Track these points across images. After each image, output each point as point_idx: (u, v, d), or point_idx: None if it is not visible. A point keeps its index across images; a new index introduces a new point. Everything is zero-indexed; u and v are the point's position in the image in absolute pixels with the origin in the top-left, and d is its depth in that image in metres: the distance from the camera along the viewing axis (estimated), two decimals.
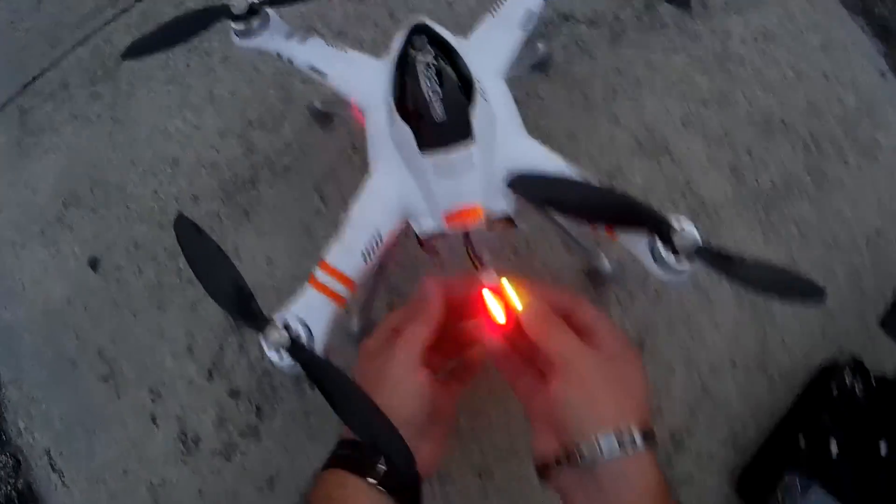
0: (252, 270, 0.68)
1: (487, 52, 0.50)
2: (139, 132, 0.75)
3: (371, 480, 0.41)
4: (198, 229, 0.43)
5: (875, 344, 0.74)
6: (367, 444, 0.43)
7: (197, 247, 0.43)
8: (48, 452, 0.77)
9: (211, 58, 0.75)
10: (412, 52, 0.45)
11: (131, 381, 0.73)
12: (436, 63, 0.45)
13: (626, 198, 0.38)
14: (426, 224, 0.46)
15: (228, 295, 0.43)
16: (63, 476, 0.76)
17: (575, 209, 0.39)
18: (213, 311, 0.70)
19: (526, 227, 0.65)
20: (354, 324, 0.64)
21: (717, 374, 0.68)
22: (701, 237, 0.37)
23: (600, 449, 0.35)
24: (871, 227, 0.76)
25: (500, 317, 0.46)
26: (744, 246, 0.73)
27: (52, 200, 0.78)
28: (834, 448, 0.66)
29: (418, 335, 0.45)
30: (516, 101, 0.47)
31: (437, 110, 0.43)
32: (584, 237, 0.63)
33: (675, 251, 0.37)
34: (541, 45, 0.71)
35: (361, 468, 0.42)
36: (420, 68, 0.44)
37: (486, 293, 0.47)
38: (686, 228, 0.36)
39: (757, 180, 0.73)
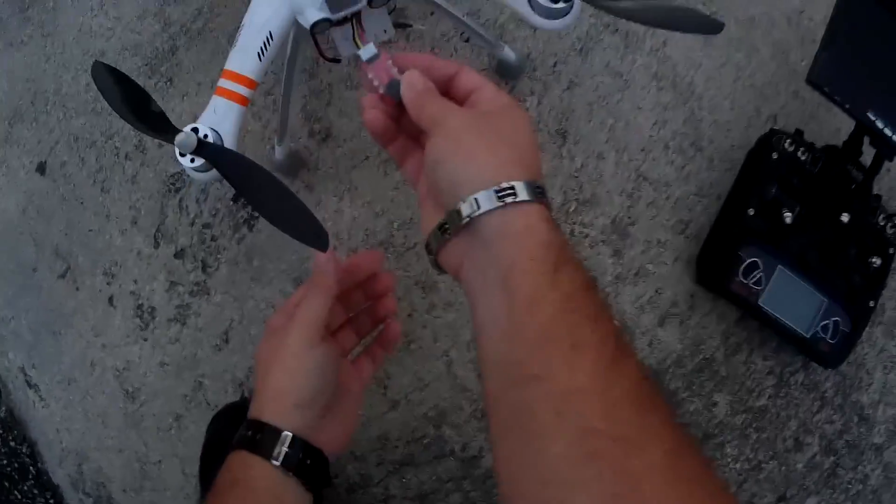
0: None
1: None
2: (68, 39, 0.79)
3: (275, 462, 0.41)
4: (109, 69, 0.47)
5: (816, 120, 0.73)
6: (281, 228, 0.43)
7: (111, 85, 0.48)
8: (23, 370, 0.79)
9: None
10: None
11: (87, 270, 0.75)
12: None
13: None
14: (312, 15, 0.47)
15: (141, 115, 0.47)
16: (39, 390, 0.78)
17: None
18: (151, 178, 0.72)
19: (424, 27, 0.66)
20: (278, 152, 0.65)
21: (650, 157, 0.68)
22: None
23: (477, 203, 0.31)
24: (790, 7, 0.76)
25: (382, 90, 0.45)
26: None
27: None
28: (788, 217, 0.65)
29: (314, 309, 0.44)
30: None
31: None
32: (484, 28, 0.64)
33: None
34: None
35: (265, 449, 0.41)
36: None
37: (369, 69, 0.46)
38: None
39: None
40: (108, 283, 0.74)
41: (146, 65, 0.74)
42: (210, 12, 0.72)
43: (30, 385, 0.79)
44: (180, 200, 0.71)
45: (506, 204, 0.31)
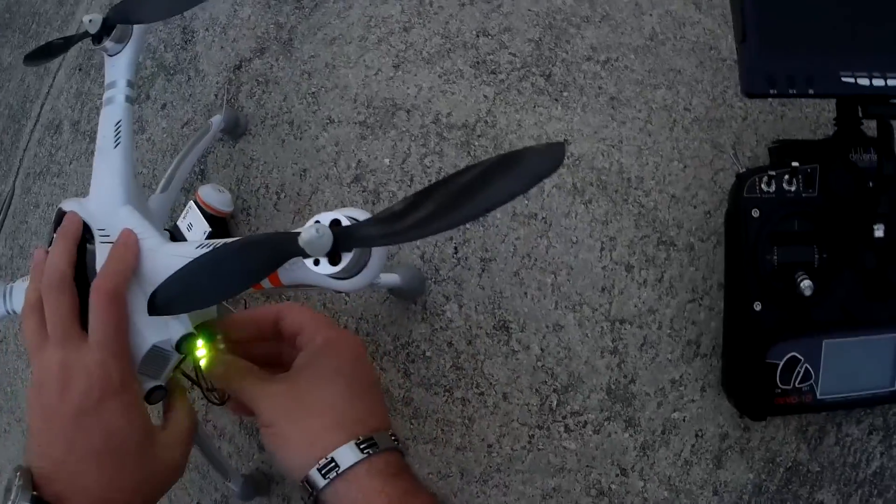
0: None
1: (103, 192, 0.45)
2: None
3: None
4: None
5: (794, 104, 0.55)
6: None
7: None
8: None
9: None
10: None
11: None
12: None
13: (248, 240, 0.34)
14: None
15: None
16: None
17: (220, 291, 0.34)
18: None
19: None
20: None
21: (615, 292, 0.54)
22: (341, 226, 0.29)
23: (309, 484, 0.33)
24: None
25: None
26: (549, 128, 0.56)
27: None
28: (806, 285, 0.48)
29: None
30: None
31: None
32: None
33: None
34: (216, 119, 0.62)
35: None
36: None
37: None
38: (305, 232, 0.29)
39: (512, 53, 0.56)
40: None
41: None
42: None
43: None
44: None
45: (331, 479, 0.32)
